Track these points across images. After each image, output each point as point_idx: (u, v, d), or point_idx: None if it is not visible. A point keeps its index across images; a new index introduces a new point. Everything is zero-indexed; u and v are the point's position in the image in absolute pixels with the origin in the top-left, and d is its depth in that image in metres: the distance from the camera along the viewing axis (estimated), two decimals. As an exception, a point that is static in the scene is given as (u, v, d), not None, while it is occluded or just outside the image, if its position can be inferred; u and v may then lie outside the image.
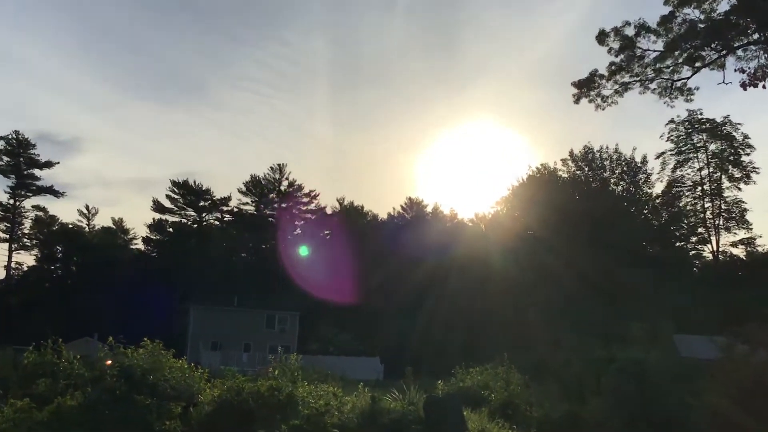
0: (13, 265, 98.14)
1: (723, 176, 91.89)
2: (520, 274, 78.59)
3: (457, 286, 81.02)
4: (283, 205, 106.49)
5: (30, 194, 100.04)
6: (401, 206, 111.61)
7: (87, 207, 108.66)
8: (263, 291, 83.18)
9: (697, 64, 27.90)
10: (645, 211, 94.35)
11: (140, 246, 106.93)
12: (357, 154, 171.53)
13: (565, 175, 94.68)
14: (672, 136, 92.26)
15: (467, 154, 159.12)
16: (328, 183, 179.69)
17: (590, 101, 29.26)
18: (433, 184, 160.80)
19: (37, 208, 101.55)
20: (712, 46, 27.07)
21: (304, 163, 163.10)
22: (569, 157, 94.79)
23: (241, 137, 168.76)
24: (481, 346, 61.82)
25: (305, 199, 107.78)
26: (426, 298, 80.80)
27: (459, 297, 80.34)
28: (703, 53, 27.53)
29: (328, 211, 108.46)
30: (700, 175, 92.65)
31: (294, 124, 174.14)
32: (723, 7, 26.96)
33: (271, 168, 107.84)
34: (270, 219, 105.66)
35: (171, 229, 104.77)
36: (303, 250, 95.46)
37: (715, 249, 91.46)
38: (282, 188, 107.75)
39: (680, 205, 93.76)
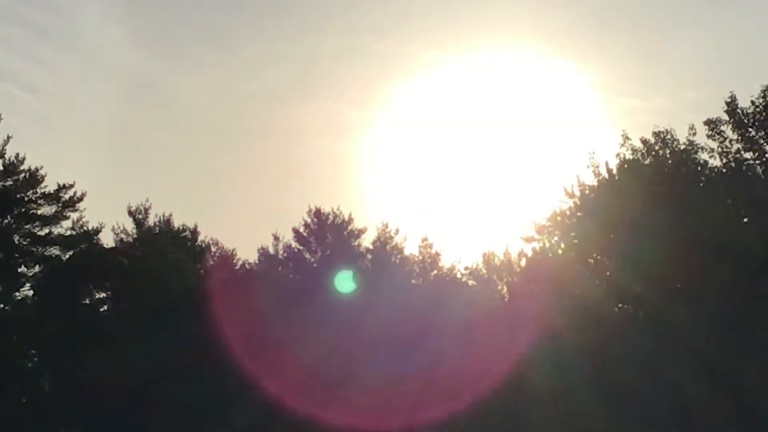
0: None
1: None
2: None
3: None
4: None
5: None
6: (296, 232, 51.42)
7: None
8: None
9: None
10: None
11: None
12: (181, 108, 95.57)
13: (716, 160, 37.75)
14: None
15: (455, 122, 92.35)
16: (99, 175, 78.25)
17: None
18: (376, 191, 78.65)
19: None
20: None
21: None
22: (727, 116, 37.39)
23: None
24: None
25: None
26: None
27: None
28: None
29: (114, 242, 51.19)
30: None
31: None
32: None
33: None
34: None
35: None
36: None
37: None
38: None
39: None
